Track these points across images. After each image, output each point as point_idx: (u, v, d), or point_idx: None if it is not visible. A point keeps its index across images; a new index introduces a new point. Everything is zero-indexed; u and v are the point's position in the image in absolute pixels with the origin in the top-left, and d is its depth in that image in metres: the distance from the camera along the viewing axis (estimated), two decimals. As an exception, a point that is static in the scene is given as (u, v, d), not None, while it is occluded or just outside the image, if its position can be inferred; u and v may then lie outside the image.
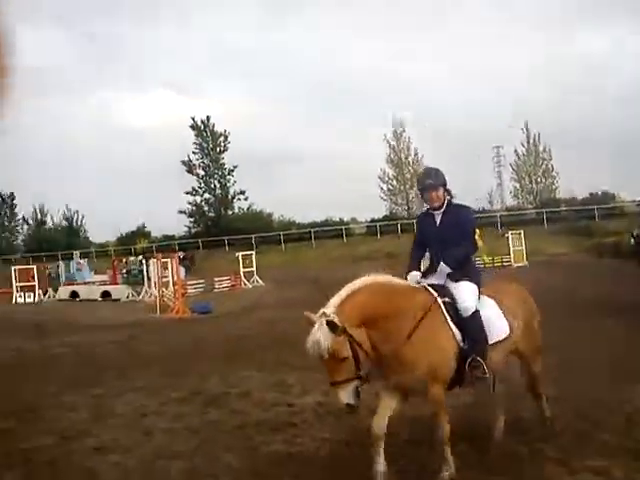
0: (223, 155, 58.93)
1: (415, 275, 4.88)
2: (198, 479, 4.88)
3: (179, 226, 59.09)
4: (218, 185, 58.82)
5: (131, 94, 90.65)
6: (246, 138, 73.48)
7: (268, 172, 72.40)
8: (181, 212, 58.36)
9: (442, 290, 4.75)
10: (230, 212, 58.68)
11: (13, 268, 27.37)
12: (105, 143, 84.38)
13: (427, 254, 5.14)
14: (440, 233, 4.96)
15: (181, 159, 58.01)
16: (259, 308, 19.36)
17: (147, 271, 24.34)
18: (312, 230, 48.64)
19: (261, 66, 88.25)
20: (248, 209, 58.44)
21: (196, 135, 58.72)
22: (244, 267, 29.25)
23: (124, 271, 27.53)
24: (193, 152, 58.60)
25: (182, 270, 27.53)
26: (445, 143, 63.31)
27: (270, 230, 51.05)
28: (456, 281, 4.82)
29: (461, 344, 4.55)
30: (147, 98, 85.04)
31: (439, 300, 4.64)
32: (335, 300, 4.31)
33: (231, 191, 58.87)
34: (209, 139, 58.57)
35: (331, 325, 4.08)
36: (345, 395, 4.15)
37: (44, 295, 26.08)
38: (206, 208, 58.70)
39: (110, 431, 6.28)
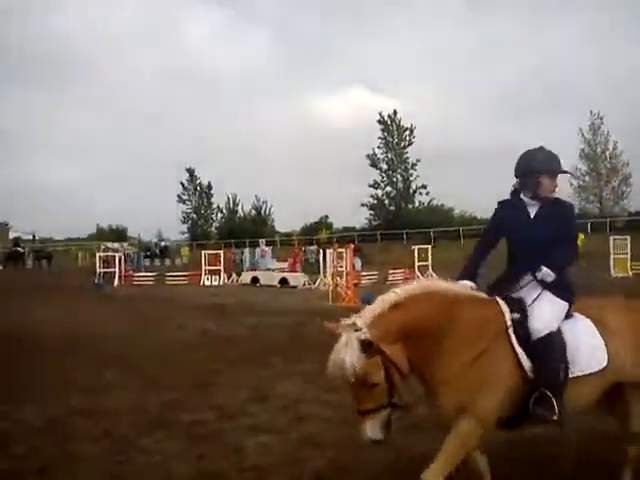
0: (407, 150, 59.07)
1: (465, 284, 3.95)
2: (336, 471, 4.72)
3: (360, 219, 60.33)
4: (400, 179, 59.07)
5: (328, 94, 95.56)
6: (433, 134, 73.49)
7: (451, 167, 71.49)
8: (363, 205, 59.44)
9: (514, 304, 3.80)
10: (410, 206, 58.62)
11: (203, 252, 29.57)
12: (300, 139, 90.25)
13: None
14: (536, 230, 3.94)
15: (366, 153, 59.10)
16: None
17: (323, 260, 24.87)
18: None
19: (453, 65, 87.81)
20: (429, 203, 58.03)
21: (382, 130, 59.49)
22: (419, 261, 28.78)
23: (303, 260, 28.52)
24: (378, 147, 59.52)
25: (358, 261, 27.85)
26: None
27: (450, 225, 50.07)
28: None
29: (528, 373, 3.60)
30: (343, 97, 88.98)
31: (507, 317, 3.71)
32: (374, 308, 3.54)
33: (413, 185, 58.92)
34: (394, 133, 58.99)
35: (362, 343, 3.30)
36: (372, 428, 3.38)
37: (228, 279, 27.73)
38: (387, 201, 59.24)
39: (265, 413, 6.37)
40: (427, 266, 28.93)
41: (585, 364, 3.72)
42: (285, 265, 29.46)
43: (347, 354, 3.28)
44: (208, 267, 27.68)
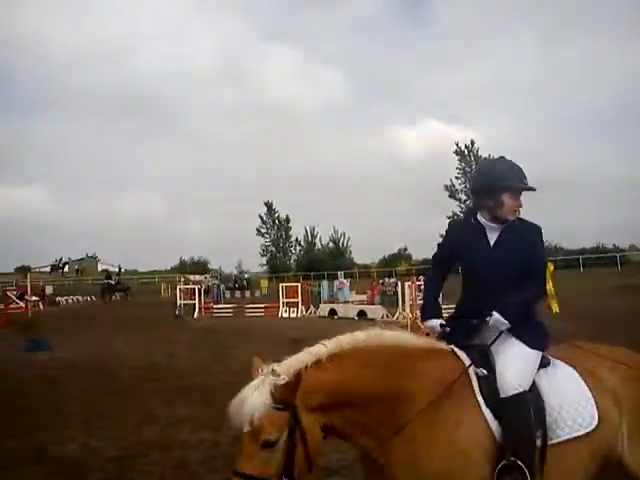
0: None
1: (435, 325, 3.34)
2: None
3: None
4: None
5: (405, 125, 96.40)
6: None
7: (533, 198, 69.65)
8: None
9: (478, 354, 3.11)
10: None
11: (280, 285, 29.72)
12: (378, 171, 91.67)
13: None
14: (496, 260, 3.24)
15: (444, 184, 58.59)
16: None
17: (402, 293, 24.43)
18: (580, 257, 45.38)
19: (531, 91, 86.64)
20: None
21: (459, 160, 58.90)
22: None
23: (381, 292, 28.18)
24: (456, 177, 58.90)
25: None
26: None
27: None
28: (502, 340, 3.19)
29: (497, 437, 2.91)
30: (421, 128, 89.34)
31: (471, 371, 3.02)
32: (305, 357, 2.81)
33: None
34: (472, 163, 58.26)
35: (276, 391, 2.60)
36: None
37: (306, 311, 27.68)
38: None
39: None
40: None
41: (569, 424, 3.05)
42: (363, 297, 29.14)
43: (252, 396, 2.62)
44: (286, 299, 27.76)
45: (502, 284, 3.21)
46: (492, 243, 3.31)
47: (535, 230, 3.35)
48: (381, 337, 3.01)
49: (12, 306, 25.47)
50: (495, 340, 3.14)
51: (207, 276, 51.98)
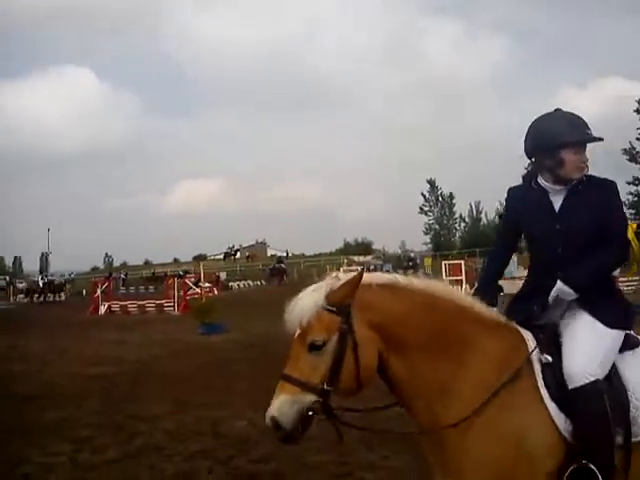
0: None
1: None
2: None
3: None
4: (666, 172, 52.89)
5: (580, 89, 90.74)
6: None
7: None
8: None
9: (543, 337, 2.68)
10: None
11: (443, 263, 29.33)
12: None
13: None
14: (564, 226, 2.79)
15: (623, 147, 54.03)
16: None
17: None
18: None
19: None
20: None
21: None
22: (692, 264, 25.22)
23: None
24: (637, 139, 53.96)
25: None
26: None
27: None
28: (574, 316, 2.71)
29: (567, 437, 2.50)
30: (597, 89, 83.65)
31: (534, 357, 2.61)
32: (380, 275, 2.73)
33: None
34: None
35: (331, 293, 2.49)
36: (283, 406, 2.43)
37: (471, 288, 27.08)
38: (650, 198, 53.47)
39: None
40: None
41: None
42: (530, 273, 27.87)
43: (306, 297, 2.52)
44: (449, 277, 27.33)
45: (571, 256, 2.77)
46: (557, 209, 2.86)
47: (608, 187, 2.86)
48: (454, 294, 2.78)
49: (190, 292, 27.65)
50: (562, 317, 2.73)
51: (370, 257, 52.57)
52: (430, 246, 70.28)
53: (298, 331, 2.51)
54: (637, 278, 22.90)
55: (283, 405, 2.43)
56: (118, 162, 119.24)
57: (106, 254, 78.22)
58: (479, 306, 2.75)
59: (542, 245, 2.91)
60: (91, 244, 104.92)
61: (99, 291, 28.63)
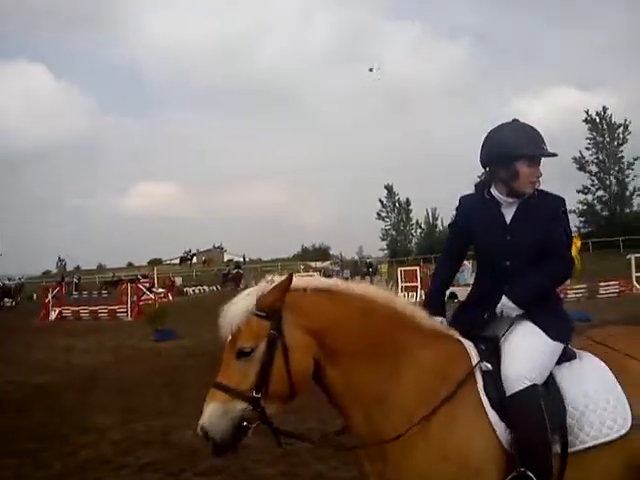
0: (622, 148, 54.14)
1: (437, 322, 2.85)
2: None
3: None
4: (614, 181, 54.27)
5: (530, 97, 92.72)
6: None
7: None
8: (571, 212, 55.54)
9: (485, 347, 2.69)
10: (627, 210, 53.63)
11: (399, 269, 29.61)
12: None
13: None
14: (514, 239, 2.80)
15: (573, 156, 55.28)
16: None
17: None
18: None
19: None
20: (649, 207, 52.64)
21: (590, 130, 55.23)
22: (637, 271, 25.98)
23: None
24: (586, 148, 55.33)
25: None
26: None
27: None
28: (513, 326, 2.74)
29: (505, 446, 2.49)
30: (546, 98, 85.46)
31: (476, 368, 2.60)
32: (317, 280, 2.78)
33: (630, 187, 53.79)
34: (605, 132, 54.45)
35: (262, 298, 2.47)
36: (214, 414, 2.38)
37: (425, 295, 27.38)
38: (599, 207, 54.81)
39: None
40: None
41: (596, 428, 2.56)
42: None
43: (238, 302, 2.49)
44: (404, 284, 27.57)
45: (519, 268, 2.78)
46: (508, 221, 2.85)
47: (557, 202, 2.88)
48: (395, 302, 2.72)
49: (143, 298, 27.25)
50: (507, 331, 2.72)
51: (327, 263, 52.70)
52: (387, 252, 70.76)
53: (229, 337, 2.47)
54: (584, 286, 23.57)
55: (213, 414, 2.39)
56: (73, 161, 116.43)
57: (59, 257, 76.19)
58: (420, 315, 2.73)
59: (491, 256, 2.89)
60: (42, 244, 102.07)
61: (50, 296, 28.01)
